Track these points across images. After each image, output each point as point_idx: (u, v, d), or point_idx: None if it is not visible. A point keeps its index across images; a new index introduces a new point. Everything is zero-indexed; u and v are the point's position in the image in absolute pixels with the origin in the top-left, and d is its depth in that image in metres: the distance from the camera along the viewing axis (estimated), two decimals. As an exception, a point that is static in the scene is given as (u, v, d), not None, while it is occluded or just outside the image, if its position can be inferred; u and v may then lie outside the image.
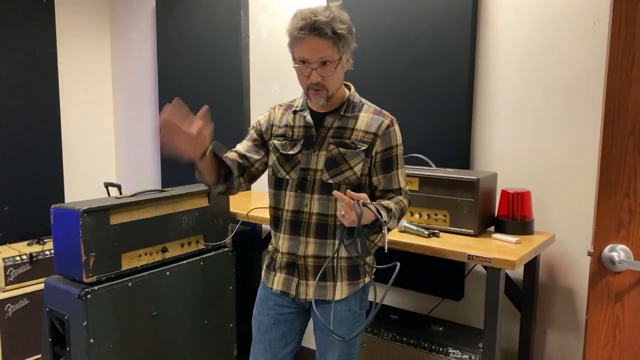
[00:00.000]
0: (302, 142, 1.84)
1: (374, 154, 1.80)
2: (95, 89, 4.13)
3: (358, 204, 1.57)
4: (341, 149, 1.79)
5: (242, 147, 1.94)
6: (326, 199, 1.80)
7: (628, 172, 1.46)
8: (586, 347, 1.55)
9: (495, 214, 2.34)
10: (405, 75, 2.62)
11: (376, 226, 1.69)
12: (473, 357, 2.18)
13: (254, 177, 1.94)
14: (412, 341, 2.33)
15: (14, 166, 3.46)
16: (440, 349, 2.26)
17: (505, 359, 2.50)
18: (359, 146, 1.78)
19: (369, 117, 1.82)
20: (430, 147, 2.53)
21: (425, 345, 2.29)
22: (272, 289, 1.92)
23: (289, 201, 1.85)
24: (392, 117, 1.84)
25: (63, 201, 3.63)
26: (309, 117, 1.84)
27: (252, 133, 1.96)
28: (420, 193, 2.32)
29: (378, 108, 1.87)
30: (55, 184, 3.68)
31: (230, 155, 1.89)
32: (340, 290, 1.84)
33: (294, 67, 1.76)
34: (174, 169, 3.72)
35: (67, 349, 2.11)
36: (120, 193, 2.85)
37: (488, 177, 2.29)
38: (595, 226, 1.50)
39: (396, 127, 1.83)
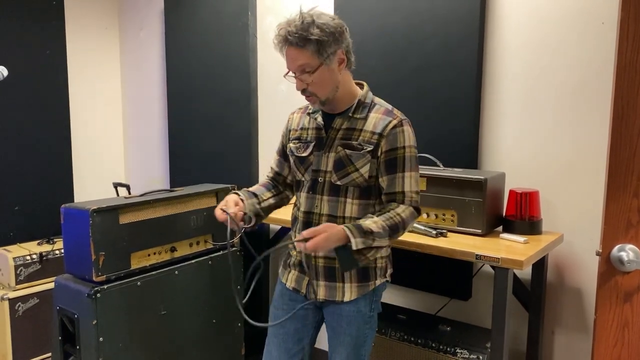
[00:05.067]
0: (313, 143, 1.86)
1: (379, 154, 1.77)
2: (105, 90, 4.16)
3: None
4: (347, 151, 1.79)
5: (274, 163, 2.06)
6: (335, 200, 1.81)
7: (637, 171, 1.45)
8: (595, 348, 1.54)
9: (503, 214, 2.34)
10: (413, 76, 2.61)
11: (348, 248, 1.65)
12: (481, 357, 2.18)
13: (291, 185, 2.03)
14: (419, 341, 2.33)
15: (24, 166, 3.49)
16: (448, 349, 2.26)
17: (513, 359, 2.49)
18: (365, 147, 1.77)
19: (377, 117, 1.80)
20: (438, 147, 2.53)
21: (433, 345, 2.29)
22: (285, 284, 1.95)
23: (303, 202, 1.88)
24: (403, 118, 1.80)
25: (72, 201, 3.66)
26: (320, 119, 1.86)
27: (279, 147, 2.04)
28: (428, 193, 2.32)
29: (390, 108, 1.84)
30: (65, 184, 3.71)
31: (270, 173, 2.07)
32: (350, 291, 1.85)
33: (284, 77, 1.80)
34: (182, 169, 3.74)
35: (77, 347, 2.13)
36: (129, 193, 2.87)
37: (496, 177, 2.29)
38: (603, 226, 1.50)
39: (406, 127, 1.78)
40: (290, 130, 1.96)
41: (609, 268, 1.50)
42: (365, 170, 1.77)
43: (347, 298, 1.85)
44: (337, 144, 1.81)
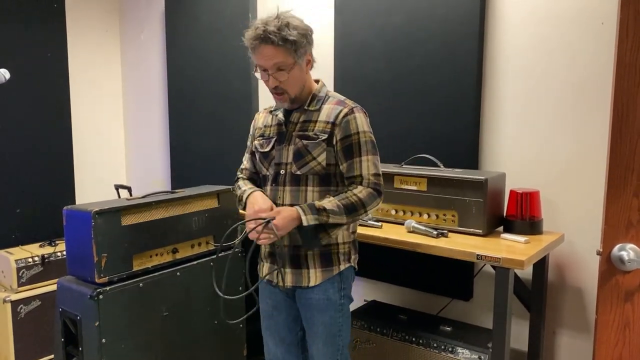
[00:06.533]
0: (275, 139, 1.96)
1: (334, 142, 1.86)
2: (106, 92, 4.16)
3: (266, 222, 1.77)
4: (304, 141, 1.88)
5: (249, 163, 2.12)
6: (296, 190, 1.90)
7: (637, 170, 1.46)
8: (596, 347, 1.54)
9: (504, 214, 2.34)
10: (414, 76, 2.62)
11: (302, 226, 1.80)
12: (482, 357, 2.19)
13: None
14: (421, 341, 2.33)
15: (26, 169, 3.49)
16: (450, 349, 2.26)
17: (515, 359, 2.49)
18: (320, 137, 1.86)
19: (330, 108, 1.90)
20: (438, 148, 2.54)
21: (435, 345, 2.30)
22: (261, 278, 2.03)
23: (269, 195, 1.95)
24: (354, 106, 1.90)
25: (74, 203, 3.66)
26: (280, 115, 1.96)
27: (249, 146, 2.13)
28: (428, 193, 2.32)
29: (342, 99, 1.93)
30: (66, 186, 3.72)
31: (244, 175, 2.11)
32: (315, 276, 1.92)
33: (254, 73, 1.89)
34: (183, 170, 3.75)
35: (80, 348, 2.13)
36: (131, 195, 2.87)
37: (496, 177, 2.29)
38: (604, 225, 1.50)
39: (357, 114, 1.87)
40: (256, 129, 2.08)
41: (610, 267, 1.51)
42: (322, 158, 1.86)
43: (312, 282, 1.92)
44: (295, 137, 1.90)
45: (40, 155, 3.57)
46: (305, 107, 1.91)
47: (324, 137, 1.86)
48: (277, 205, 1.91)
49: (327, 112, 1.89)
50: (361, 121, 1.87)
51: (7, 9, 3.37)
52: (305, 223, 1.78)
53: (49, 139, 3.61)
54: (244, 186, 2.03)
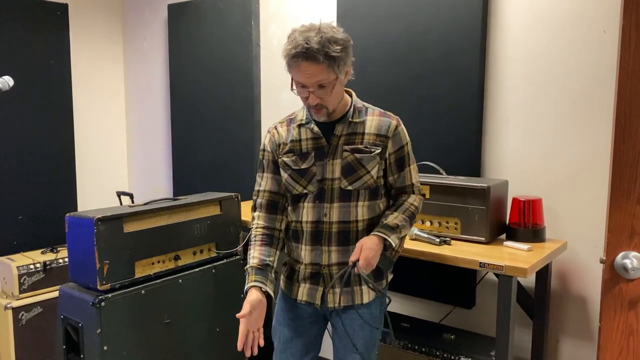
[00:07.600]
0: (313, 154, 1.83)
1: (387, 155, 1.84)
2: (108, 99, 4.18)
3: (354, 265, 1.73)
4: (357, 155, 1.81)
5: (268, 184, 1.92)
6: (346, 205, 1.82)
7: (640, 178, 1.46)
8: (599, 356, 1.54)
9: (507, 222, 2.34)
10: (416, 84, 2.63)
11: (389, 248, 1.81)
12: (485, 365, 2.18)
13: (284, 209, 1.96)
14: (423, 349, 2.33)
15: (28, 176, 3.50)
16: (452, 357, 2.25)
17: (518, 368, 2.49)
18: (373, 150, 1.81)
19: (376, 119, 1.84)
20: (441, 155, 2.54)
21: (437, 353, 2.29)
22: (296, 300, 1.92)
23: (307, 213, 1.85)
24: (397, 117, 1.89)
25: (75, 210, 3.66)
26: (316, 129, 1.83)
27: (267, 164, 1.93)
28: (431, 201, 2.32)
29: (381, 110, 1.90)
30: (68, 193, 3.72)
31: (263, 199, 1.92)
32: (368, 292, 1.87)
33: (291, 90, 1.77)
34: (185, 177, 3.75)
35: (81, 356, 2.13)
36: (133, 202, 2.87)
37: (499, 184, 2.29)
38: (607, 233, 1.50)
39: (402, 126, 1.88)
40: (279, 145, 1.88)
41: (613, 275, 1.50)
42: (375, 171, 1.82)
43: (366, 299, 1.87)
44: (342, 150, 1.81)
45: (43, 162, 3.57)
46: (350, 119, 1.81)
47: (377, 151, 1.80)
48: (322, 222, 1.83)
49: (375, 124, 1.82)
50: (405, 132, 1.88)
51: (11, 16, 3.39)
52: (394, 244, 1.78)
53: (51, 145, 3.61)
54: (251, 262, 1.85)
